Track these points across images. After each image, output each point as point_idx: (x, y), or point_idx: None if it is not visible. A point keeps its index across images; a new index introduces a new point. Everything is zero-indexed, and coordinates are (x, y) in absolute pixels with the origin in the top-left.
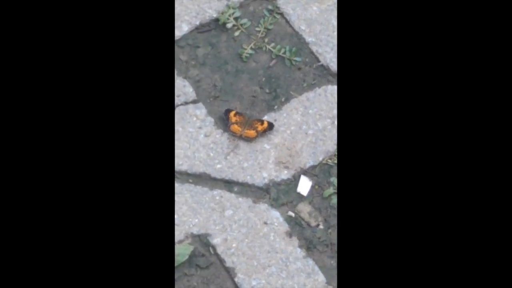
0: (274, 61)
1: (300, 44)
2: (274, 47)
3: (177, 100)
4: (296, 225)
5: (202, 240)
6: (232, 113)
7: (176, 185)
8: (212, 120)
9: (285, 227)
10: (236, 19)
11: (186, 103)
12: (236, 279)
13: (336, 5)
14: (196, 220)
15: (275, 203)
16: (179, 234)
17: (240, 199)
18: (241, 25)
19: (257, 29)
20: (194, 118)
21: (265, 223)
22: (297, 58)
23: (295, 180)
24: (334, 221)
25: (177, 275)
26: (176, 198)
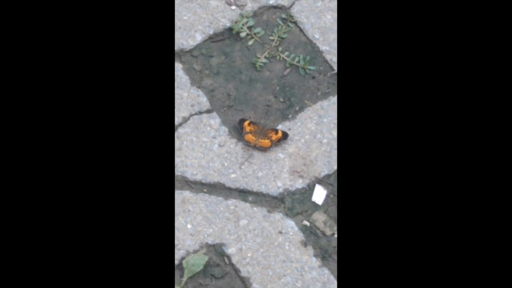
0: (288, 70)
1: (314, 53)
2: (288, 56)
3: (191, 110)
4: (311, 234)
5: (217, 250)
6: (246, 123)
7: (191, 194)
8: (226, 129)
9: (300, 236)
10: (249, 28)
11: (200, 112)
12: None
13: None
14: (211, 230)
15: (290, 213)
16: (194, 244)
17: (255, 208)
18: (255, 34)
19: (271, 38)
20: (208, 128)
21: (280, 232)
22: (311, 67)
23: (310, 189)
24: None
25: (192, 285)
26: (190, 208)
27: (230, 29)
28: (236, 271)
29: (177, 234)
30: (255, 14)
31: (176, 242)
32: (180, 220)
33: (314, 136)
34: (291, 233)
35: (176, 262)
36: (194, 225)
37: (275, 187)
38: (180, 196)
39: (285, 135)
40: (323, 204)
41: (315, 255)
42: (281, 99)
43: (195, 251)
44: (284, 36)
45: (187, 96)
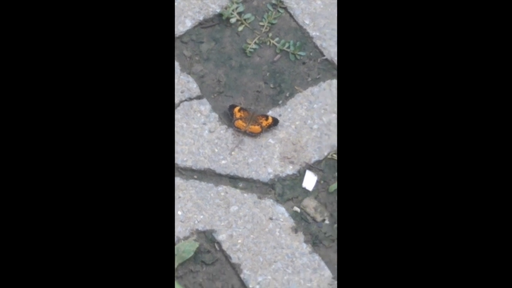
0: (278, 56)
1: (304, 39)
2: (278, 42)
3: (181, 96)
4: (301, 221)
5: (207, 237)
6: (236, 109)
7: (181, 181)
8: (217, 115)
9: (290, 222)
10: (239, 14)
11: (190, 99)
12: (242, 275)
13: None
14: (201, 217)
15: (281, 199)
16: (184, 230)
17: (245, 195)
18: (245, 20)
19: (261, 23)
20: (199, 114)
21: (271, 218)
22: (301, 53)
23: (300, 175)
24: None
25: (182, 271)
26: (181, 195)
27: (220, 15)
28: (227, 257)
29: None
30: (245, 0)
31: None
32: None
33: (304, 122)
34: (281, 219)
35: None
36: (184, 211)
37: (266, 173)
38: None
39: (275, 121)
40: (313, 190)
41: (306, 241)
42: (271, 85)
43: (186, 238)
44: (274, 22)
45: (177, 82)
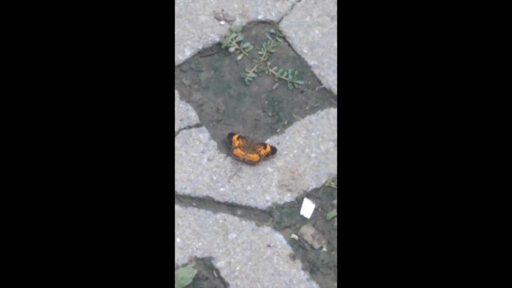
0: (276, 85)
1: (302, 67)
2: (276, 71)
3: (180, 124)
4: (299, 248)
5: (205, 264)
6: (235, 137)
7: (180, 208)
8: (215, 144)
9: (288, 249)
10: (238, 43)
11: (189, 127)
12: None
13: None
14: (200, 244)
15: (278, 226)
16: (183, 257)
17: (244, 222)
18: (244, 49)
19: (260, 52)
20: (197, 142)
21: (269, 246)
22: (299, 81)
23: (298, 203)
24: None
25: None
26: (179, 222)
27: (219, 44)
28: (225, 284)
29: None
30: (244, 29)
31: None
32: None
33: (302, 150)
34: (279, 247)
35: None
36: (183, 238)
37: (264, 200)
38: None
39: (273, 150)
40: (311, 217)
41: (304, 269)
42: (270, 114)
43: (184, 265)
44: (272, 51)
45: (176, 110)
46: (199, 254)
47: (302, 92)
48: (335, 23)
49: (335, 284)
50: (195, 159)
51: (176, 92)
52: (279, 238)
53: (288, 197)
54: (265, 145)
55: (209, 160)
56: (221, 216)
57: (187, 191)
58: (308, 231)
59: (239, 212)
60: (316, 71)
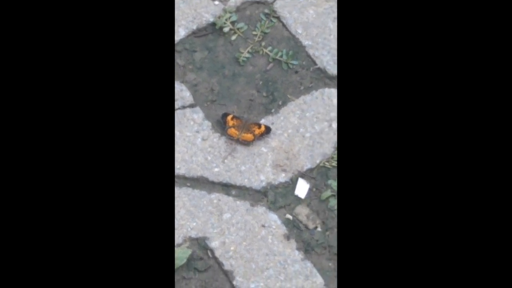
0: (271, 65)
1: (297, 48)
2: (271, 51)
3: (174, 105)
4: (294, 228)
5: (200, 244)
6: (229, 117)
7: (174, 188)
8: (210, 124)
9: (283, 230)
10: (232, 23)
11: (183, 107)
12: (234, 282)
13: (332, 9)
14: (194, 224)
15: (273, 206)
16: (177, 237)
17: (238, 202)
18: (238, 29)
19: (254, 33)
20: (192, 122)
21: (263, 226)
22: (294, 62)
23: (292, 183)
24: (332, 223)
25: (175, 278)
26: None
27: (213, 24)
28: (219, 264)
29: None
30: (238, 9)
31: None
32: None
33: (297, 130)
34: (274, 227)
35: None
36: (177, 218)
37: (258, 181)
38: None
39: (268, 130)
40: (305, 197)
41: (298, 248)
42: (264, 94)
43: (178, 245)
44: (267, 31)
45: None
46: (193, 234)
47: (296, 72)
48: (330, 3)
49: (330, 264)
50: (190, 139)
51: None
52: (273, 218)
53: (282, 177)
54: (259, 125)
55: (203, 140)
56: (215, 196)
57: (181, 171)
58: (302, 211)
59: (233, 192)
60: (311, 51)
